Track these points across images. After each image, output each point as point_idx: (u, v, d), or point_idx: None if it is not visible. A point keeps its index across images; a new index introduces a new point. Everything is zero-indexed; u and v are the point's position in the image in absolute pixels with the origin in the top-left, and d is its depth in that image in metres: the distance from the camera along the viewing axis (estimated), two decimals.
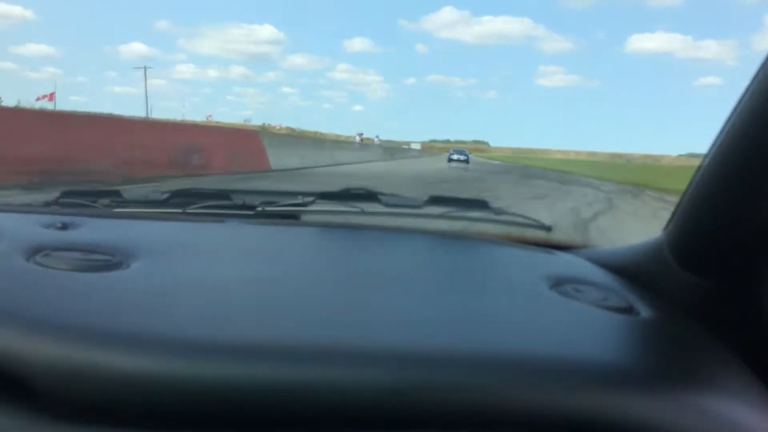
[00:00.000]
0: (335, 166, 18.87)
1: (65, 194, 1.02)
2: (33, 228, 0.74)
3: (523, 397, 0.46)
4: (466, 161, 40.15)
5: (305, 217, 1.04)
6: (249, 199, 1.07)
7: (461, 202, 1.13)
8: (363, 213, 1.06)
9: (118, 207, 0.99)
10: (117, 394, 0.43)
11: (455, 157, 41.21)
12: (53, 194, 1.03)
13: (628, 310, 0.62)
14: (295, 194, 1.14)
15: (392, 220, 1.06)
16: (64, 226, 0.75)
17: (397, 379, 0.45)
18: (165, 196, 1.05)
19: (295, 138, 22.60)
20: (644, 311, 0.63)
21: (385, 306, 0.58)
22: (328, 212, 1.08)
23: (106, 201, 1.01)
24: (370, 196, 1.12)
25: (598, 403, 0.46)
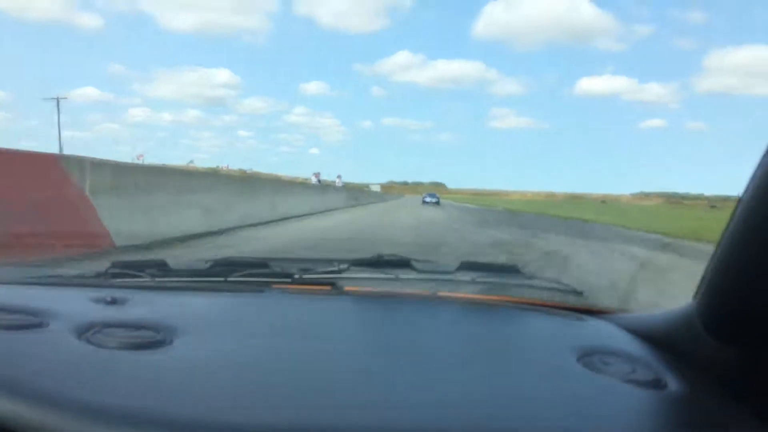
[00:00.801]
0: (268, 226, 10.57)
1: (115, 265, 1.06)
2: (85, 303, 0.78)
3: None
4: (437, 202, 48.67)
5: (341, 284, 1.05)
6: (287, 267, 1.12)
7: (493, 268, 1.16)
8: (397, 279, 1.09)
9: (164, 277, 1.02)
10: None
11: (428, 199, 50.22)
12: (104, 264, 1.07)
13: (656, 384, 0.62)
14: (331, 261, 1.16)
15: (425, 286, 1.07)
16: (114, 301, 0.79)
17: None
18: (208, 265, 1.09)
19: (206, 177, 11.64)
20: (673, 384, 0.62)
21: (413, 384, 0.59)
22: (363, 279, 1.10)
23: (153, 271, 1.03)
24: (403, 262, 1.15)
25: None
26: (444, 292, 1.04)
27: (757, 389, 0.58)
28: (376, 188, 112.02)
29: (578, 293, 1.05)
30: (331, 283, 1.05)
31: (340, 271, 1.10)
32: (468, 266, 1.13)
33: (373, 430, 0.49)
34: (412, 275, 1.11)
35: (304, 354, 0.67)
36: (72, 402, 0.49)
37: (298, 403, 0.53)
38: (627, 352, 0.71)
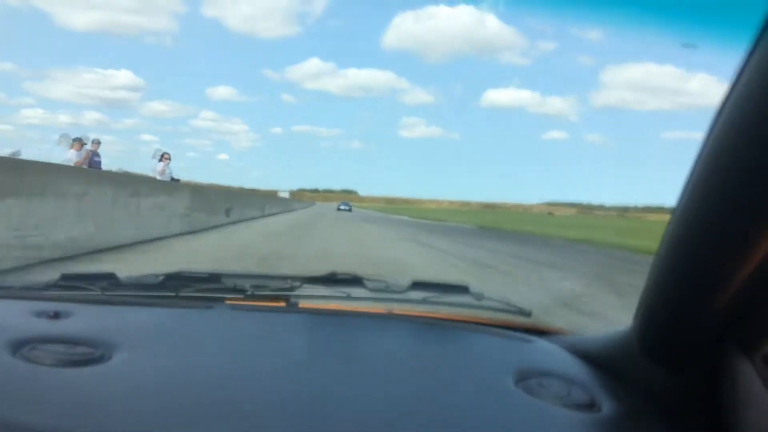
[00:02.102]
0: None
1: (64, 277, 1.04)
2: (26, 318, 0.77)
3: None
4: (349, 210, 57.89)
5: (293, 301, 1.06)
6: (240, 282, 1.09)
7: (443, 288, 1.17)
8: (348, 298, 1.09)
9: (113, 290, 1.02)
10: None
11: (342, 207, 61.57)
12: (54, 276, 1.05)
13: (590, 407, 0.63)
14: (284, 278, 1.17)
15: (376, 304, 1.09)
16: (56, 315, 0.78)
17: None
18: (159, 279, 1.07)
19: None
20: (607, 406, 0.63)
21: (351, 406, 0.60)
22: (316, 297, 1.11)
23: (103, 284, 1.02)
24: (356, 281, 1.15)
25: None
26: (397, 310, 1.05)
27: (689, 412, 0.59)
28: (285, 195, 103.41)
29: (526, 313, 1.07)
30: (285, 299, 1.05)
31: (293, 288, 1.11)
32: (419, 286, 1.15)
33: None
34: (364, 293, 1.13)
35: (249, 372, 0.67)
36: None
37: (235, 424, 0.52)
38: (565, 374, 0.72)
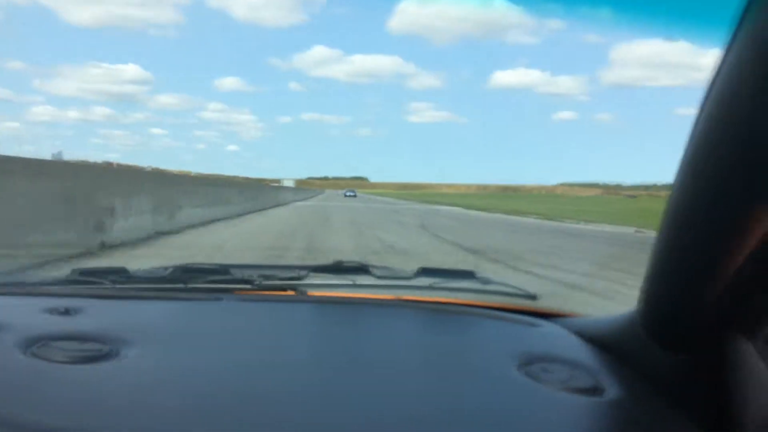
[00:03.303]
0: None
1: (75, 272, 1.06)
2: (36, 315, 0.78)
3: None
4: (354, 195, 66.18)
5: (301, 290, 1.07)
6: (247, 273, 1.10)
7: (449, 273, 1.17)
8: (356, 286, 1.11)
9: (124, 284, 1.03)
10: None
11: (348, 194, 69.53)
12: (65, 271, 1.07)
13: (594, 390, 0.63)
14: (291, 268, 1.19)
15: (383, 292, 1.10)
16: (67, 311, 0.79)
17: None
18: (168, 272, 1.09)
19: None
20: (612, 390, 0.63)
21: (359, 398, 0.61)
22: (323, 285, 1.12)
23: (114, 278, 1.04)
24: (362, 268, 1.16)
25: None
26: (405, 296, 1.06)
27: (694, 395, 0.59)
28: (290, 183, 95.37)
29: (532, 297, 1.08)
30: (293, 288, 1.07)
31: (300, 277, 1.12)
32: (425, 272, 1.15)
33: None
34: (371, 281, 1.14)
35: (259, 364, 0.68)
36: (5, 418, 0.49)
37: (247, 418, 0.53)
38: (569, 358, 0.73)
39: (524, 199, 68.40)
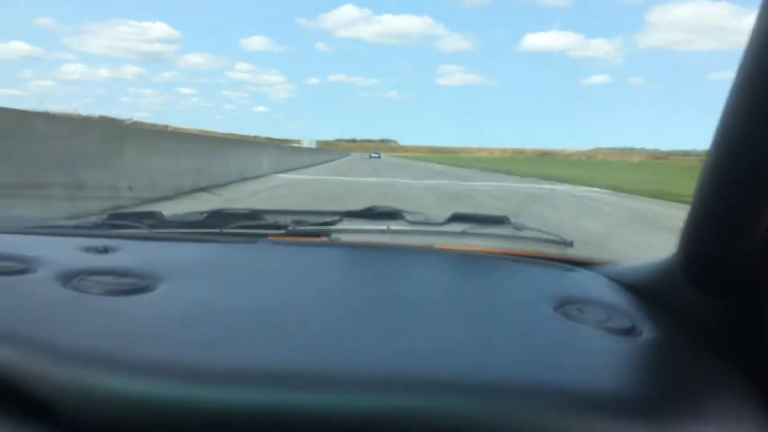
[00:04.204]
0: None
1: (111, 216, 1.11)
2: (75, 252, 0.81)
3: (513, 426, 0.47)
4: (378, 157, 73.78)
5: (333, 236, 1.08)
6: (281, 218, 1.14)
7: (483, 219, 1.17)
8: (388, 231, 1.12)
9: (158, 228, 1.06)
10: (124, 417, 0.47)
11: (373, 155, 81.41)
12: (102, 216, 1.12)
13: (631, 331, 0.63)
14: (324, 213, 1.19)
15: (416, 238, 1.10)
16: (105, 250, 0.82)
17: (395, 405, 0.48)
18: (203, 217, 1.12)
19: None
20: (648, 332, 0.63)
21: (393, 331, 0.61)
22: (356, 231, 1.13)
23: (149, 221, 1.07)
24: (394, 214, 1.18)
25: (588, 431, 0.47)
26: (438, 244, 1.05)
27: (734, 340, 0.58)
28: (311, 144, 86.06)
29: (567, 243, 1.07)
30: (326, 234, 1.08)
31: (333, 223, 1.12)
32: (458, 218, 1.16)
33: (347, 373, 0.50)
34: (404, 226, 1.14)
35: (292, 301, 0.69)
36: (45, 344, 0.51)
37: (279, 348, 0.54)
38: (605, 301, 0.72)
39: (579, 167, 58.19)
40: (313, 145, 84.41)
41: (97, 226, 1.06)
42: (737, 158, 0.50)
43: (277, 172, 17.44)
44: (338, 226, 1.11)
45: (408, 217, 1.16)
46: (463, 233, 1.10)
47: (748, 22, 0.49)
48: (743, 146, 0.49)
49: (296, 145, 68.25)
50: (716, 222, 0.54)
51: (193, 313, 0.61)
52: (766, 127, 0.46)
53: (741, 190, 0.50)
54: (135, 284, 0.67)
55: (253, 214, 1.13)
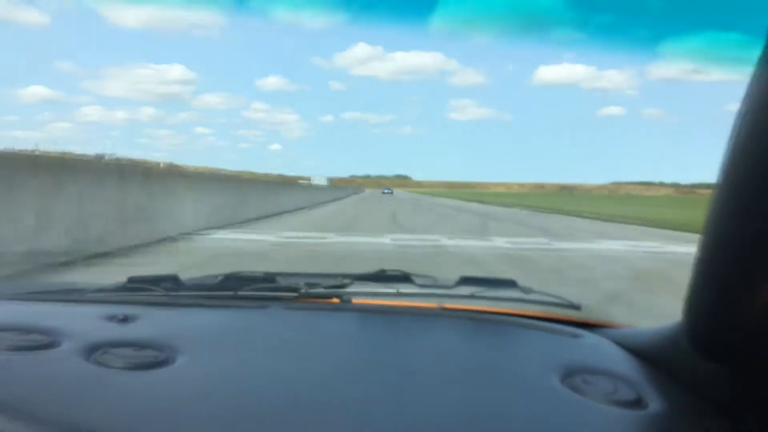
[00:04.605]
0: None
1: (131, 280, 1.12)
2: (97, 322, 0.83)
3: None
4: (391, 193, 76.14)
5: (345, 299, 1.10)
6: (293, 282, 1.15)
7: (491, 282, 1.19)
8: (399, 294, 1.13)
9: (176, 291, 1.09)
10: None
11: (386, 191, 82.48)
12: (121, 280, 1.12)
13: (638, 403, 0.63)
14: (335, 276, 1.21)
15: (426, 301, 1.11)
16: (125, 319, 0.84)
17: None
18: (218, 280, 1.14)
19: None
20: (654, 403, 0.63)
21: (404, 404, 0.62)
22: (366, 294, 1.14)
23: (167, 285, 1.10)
24: (404, 277, 1.19)
25: None
26: (447, 305, 1.06)
27: (744, 406, 0.58)
28: (321, 181, 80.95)
29: (576, 307, 1.07)
30: (338, 297, 1.08)
31: (344, 285, 1.14)
32: (467, 281, 1.17)
33: None
34: (414, 290, 1.16)
35: (305, 373, 0.69)
36: (72, 426, 0.52)
37: (294, 425, 0.55)
38: (612, 370, 0.72)
39: (613, 202, 52.18)
40: (324, 182, 79.51)
41: (117, 290, 1.08)
42: (738, 220, 0.49)
43: (222, 227, 10.97)
44: (349, 289, 1.12)
45: (417, 280, 1.19)
46: (471, 296, 1.11)
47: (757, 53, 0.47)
48: (743, 209, 0.48)
49: (305, 182, 62.82)
50: (719, 286, 0.53)
51: (209, 390, 0.62)
52: (758, 209, 0.45)
53: (743, 254, 0.49)
54: (154, 357, 0.68)
55: (267, 277, 1.15)
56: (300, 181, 67.80)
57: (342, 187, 66.08)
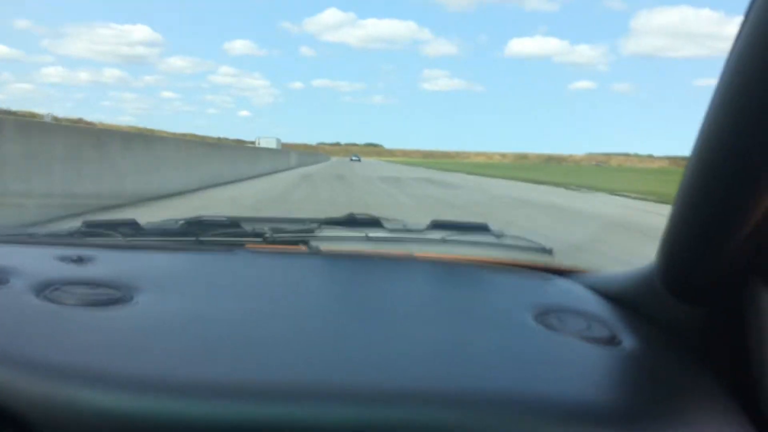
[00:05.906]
0: None
1: (87, 224, 1.07)
2: (50, 261, 0.80)
3: None
4: (359, 160, 78.31)
5: (312, 244, 1.06)
6: (259, 226, 1.11)
7: (462, 227, 1.15)
8: (368, 239, 1.10)
9: (134, 236, 1.03)
10: (99, 430, 0.46)
11: (353, 158, 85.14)
12: (76, 224, 1.08)
13: (611, 341, 0.63)
14: (302, 221, 1.18)
15: (395, 246, 1.09)
16: (80, 259, 0.81)
17: (375, 417, 0.48)
18: (180, 225, 1.09)
19: None
20: (628, 341, 0.63)
21: (373, 343, 0.61)
22: (335, 238, 1.11)
23: (125, 230, 1.04)
24: (373, 222, 1.16)
25: None
26: (417, 253, 1.04)
27: (714, 347, 0.59)
28: (270, 144, 70.20)
29: (546, 251, 1.06)
30: (305, 242, 1.06)
31: (312, 230, 1.10)
32: (438, 225, 1.14)
33: (329, 387, 0.50)
34: (383, 234, 1.13)
35: (270, 313, 0.68)
36: (19, 358, 0.50)
37: (258, 362, 0.54)
38: (585, 310, 0.73)
39: (618, 174, 43.78)
40: (273, 145, 69.10)
41: (72, 234, 1.03)
42: (714, 168, 0.50)
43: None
44: (317, 234, 1.09)
45: (387, 224, 1.15)
46: (442, 241, 1.09)
47: (730, 30, 0.48)
48: (721, 156, 0.49)
49: (251, 146, 52.84)
50: (694, 230, 0.54)
51: (169, 326, 0.60)
52: (743, 139, 0.46)
53: (718, 199, 0.51)
54: (110, 295, 0.66)
55: (231, 223, 1.10)
56: (247, 145, 57.88)
57: (300, 152, 55.28)
